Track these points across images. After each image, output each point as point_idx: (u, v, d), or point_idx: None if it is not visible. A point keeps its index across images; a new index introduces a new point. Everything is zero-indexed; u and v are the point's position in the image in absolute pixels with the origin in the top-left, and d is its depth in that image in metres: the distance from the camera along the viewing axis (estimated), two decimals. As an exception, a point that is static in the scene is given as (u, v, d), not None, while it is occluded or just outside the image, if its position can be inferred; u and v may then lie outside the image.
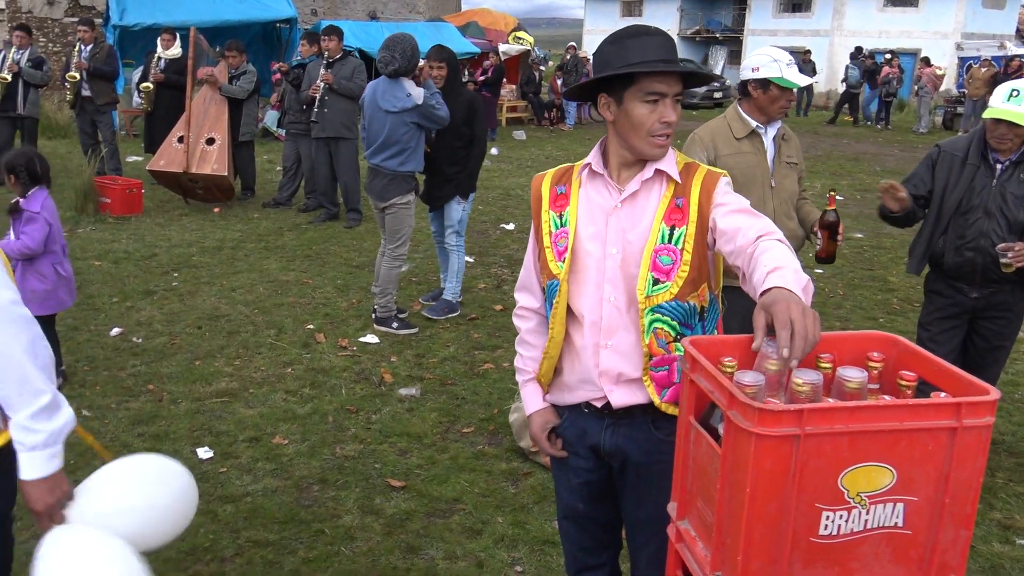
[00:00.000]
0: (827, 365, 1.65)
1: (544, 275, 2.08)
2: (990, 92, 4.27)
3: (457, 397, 4.70)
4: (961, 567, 1.53)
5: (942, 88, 22.41)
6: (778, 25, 32.97)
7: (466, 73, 15.02)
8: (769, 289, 1.54)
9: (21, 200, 4.25)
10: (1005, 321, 3.70)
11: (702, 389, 1.60)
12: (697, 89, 25.85)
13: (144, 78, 10.10)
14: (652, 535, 2.06)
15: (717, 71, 32.69)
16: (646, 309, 1.92)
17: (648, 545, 2.12)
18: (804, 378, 1.51)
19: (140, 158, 11.30)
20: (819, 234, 3.51)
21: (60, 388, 4.47)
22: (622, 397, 2.00)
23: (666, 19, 36.04)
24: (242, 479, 3.78)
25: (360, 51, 8.70)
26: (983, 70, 18.21)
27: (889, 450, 1.42)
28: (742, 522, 1.42)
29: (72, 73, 9.56)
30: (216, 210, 9.09)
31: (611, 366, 1.99)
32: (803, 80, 3.48)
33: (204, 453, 3.99)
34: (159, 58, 9.87)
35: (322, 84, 8.18)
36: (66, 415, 1.92)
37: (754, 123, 3.56)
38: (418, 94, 5.21)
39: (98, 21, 14.20)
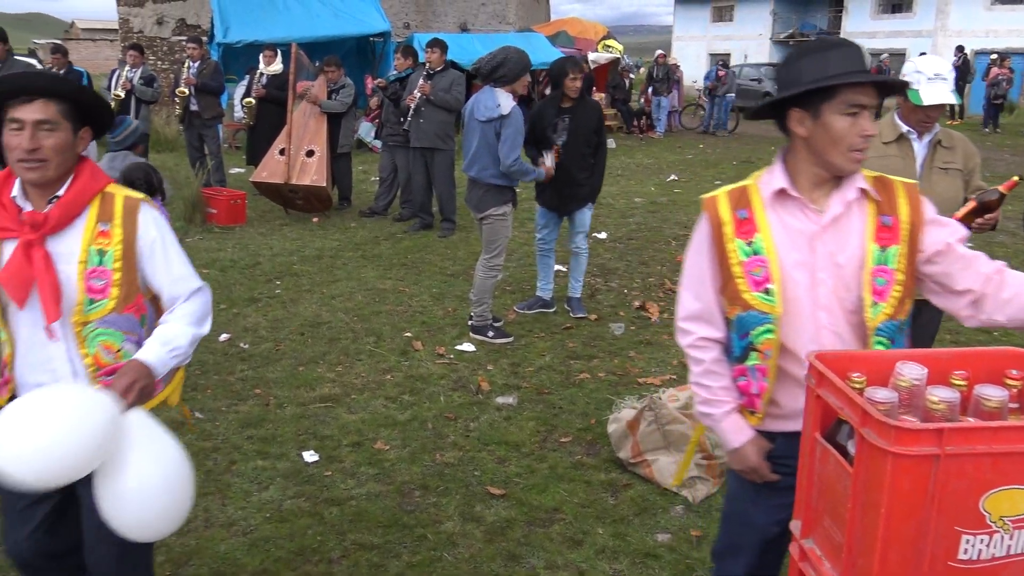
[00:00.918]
0: (961, 382, 1.59)
1: (735, 306, 2.03)
2: None
3: (554, 406, 4.70)
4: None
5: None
6: (877, 27, 31.91)
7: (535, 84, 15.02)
8: None
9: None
10: None
11: (829, 405, 1.56)
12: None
13: (247, 93, 10.50)
14: None
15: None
16: (872, 331, 1.90)
17: None
18: (940, 395, 1.46)
19: (243, 170, 11.74)
20: (968, 203, 3.33)
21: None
22: None
23: (758, 23, 35.35)
24: (346, 483, 3.87)
25: (452, 63, 8.80)
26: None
27: (1035, 473, 1.36)
28: (876, 543, 1.38)
29: (182, 89, 10.02)
30: (315, 220, 9.36)
31: None
32: (931, 98, 3.33)
33: (310, 457, 4.10)
34: (261, 74, 10.24)
35: (419, 95, 8.34)
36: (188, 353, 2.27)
37: (904, 128, 3.48)
38: (507, 105, 5.26)
39: (204, 39, 14.85)
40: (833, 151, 1.87)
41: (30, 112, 2.04)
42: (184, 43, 11.79)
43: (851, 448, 1.49)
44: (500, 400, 4.76)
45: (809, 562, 1.66)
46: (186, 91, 10.00)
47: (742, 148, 15.96)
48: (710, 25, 38.17)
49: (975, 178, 3.60)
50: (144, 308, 2.29)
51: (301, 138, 9.22)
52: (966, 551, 1.40)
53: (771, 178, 1.99)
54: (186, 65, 10.27)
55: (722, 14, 37.96)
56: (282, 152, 9.15)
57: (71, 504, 2.34)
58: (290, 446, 4.21)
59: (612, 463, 4.04)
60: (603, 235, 8.67)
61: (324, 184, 9.01)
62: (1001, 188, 3.27)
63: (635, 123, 18.66)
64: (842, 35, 31.98)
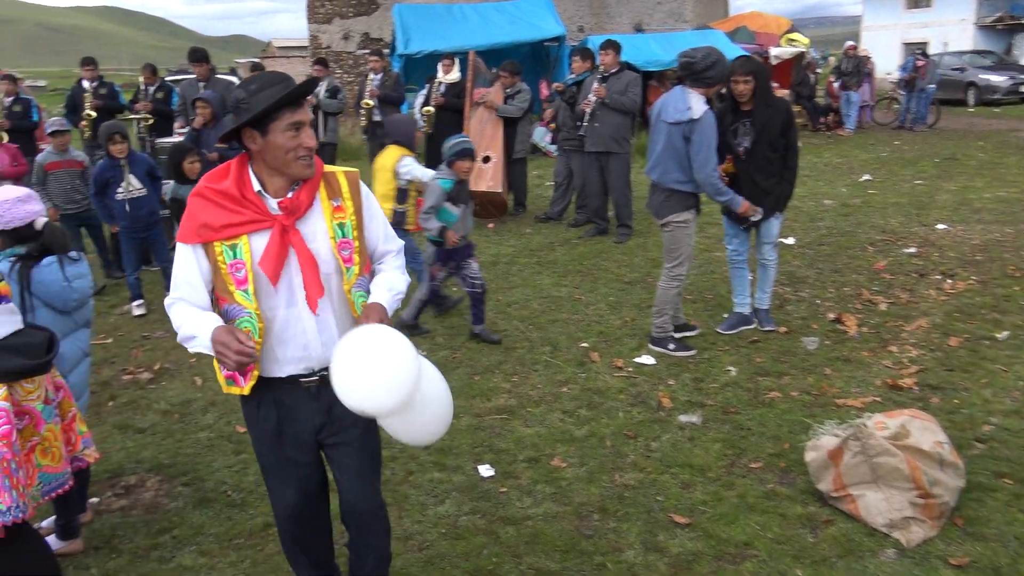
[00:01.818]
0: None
1: None
2: None
3: (742, 427, 4.37)
4: None
5: None
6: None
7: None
8: None
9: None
10: None
11: None
12: (1000, 83, 23.05)
13: (426, 102, 10.70)
14: None
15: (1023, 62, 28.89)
16: None
17: None
18: None
19: (421, 177, 12.01)
20: None
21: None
22: None
23: (960, 7, 32.54)
24: (522, 501, 3.74)
25: (627, 64, 8.55)
26: None
27: None
28: None
29: (367, 100, 10.35)
30: (490, 226, 9.39)
31: None
32: None
33: (485, 471, 4.01)
34: (440, 83, 10.42)
35: (594, 98, 8.17)
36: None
37: None
38: (698, 109, 4.94)
39: (385, 51, 15.39)
40: None
41: (302, 114, 2.31)
42: (367, 56, 12.23)
43: None
44: (683, 418, 4.48)
45: None
46: (371, 103, 10.32)
47: (944, 144, 14.61)
48: (904, 12, 35.52)
49: None
50: (369, 267, 2.59)
51: (477, 144, 9.22)
52: None
53: None
54: (369, 77, 10.61)
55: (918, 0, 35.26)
56: (459, 159, 9.23)
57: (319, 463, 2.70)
58: (466, 459, 4.14)
59: (810, 495, 3.67)
60: (791, 240, 8.13)
61: (500, 190, 9.02)
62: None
63: (822, 120, 17.59)
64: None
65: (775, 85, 15.63)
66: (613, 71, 8.24)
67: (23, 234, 3.23)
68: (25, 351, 2.61)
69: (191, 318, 2.37)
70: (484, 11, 15.23)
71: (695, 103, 4.96)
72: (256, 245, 2.35)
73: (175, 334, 2.41)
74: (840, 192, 10.64)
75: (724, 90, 5.28)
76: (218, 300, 2.44)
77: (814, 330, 5.70)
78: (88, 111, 10.24)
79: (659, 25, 19.52)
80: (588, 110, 8.26)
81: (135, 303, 6.67)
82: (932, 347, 5.29)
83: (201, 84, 9.24)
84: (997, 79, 23.29)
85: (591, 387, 4.94)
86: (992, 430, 4.17)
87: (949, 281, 6.62)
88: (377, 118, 10.43)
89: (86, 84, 10.44)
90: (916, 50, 19.67)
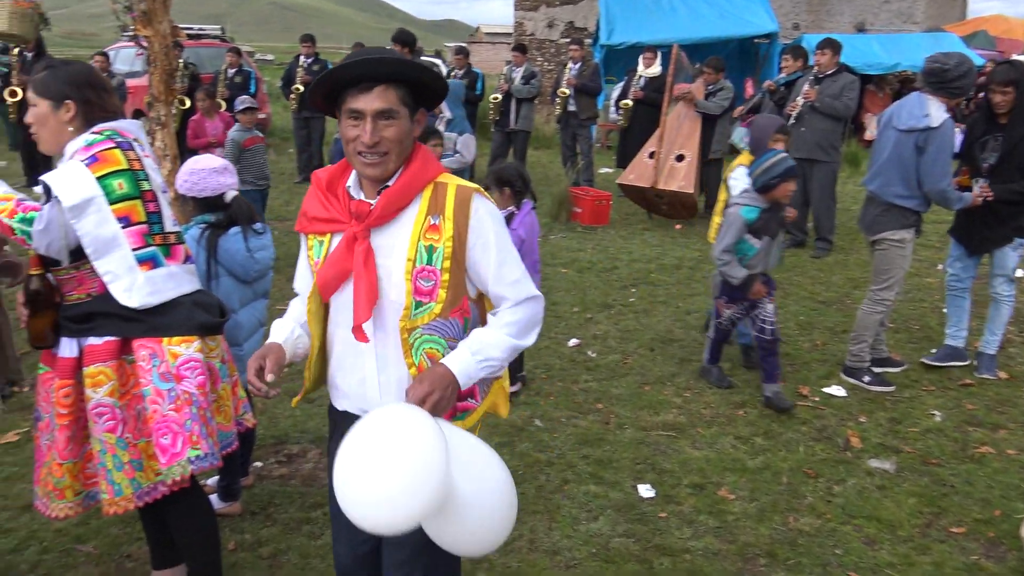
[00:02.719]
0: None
1: None
2: None
3: (943, 483, 3.84)
4: None
5: None
6: None
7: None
8: None
9: (504, 212, 4.41)
10: None
11: None
12: None
13: (624, 95, 10.43)
14: None
15: None
16: None
17: None
18: None
19: (611, 170, 11.77)
20: None
21: (517, 394, 4.59)
22: None
23: None
24: (682, 530, 3.45)
25: (845, 66, 7.87)
26: None
27: None
28: None
29: (563, 89, 10.21)
30: (677, 227, 9.02)
31: None
32: None
33: (646, 491, 3.74)
34: (640, 76, 10.12)
35: (802, 101, 7.60)
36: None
37: None
38: (938, 117, 4.38)
39: (587, 41, 15.22)
40: None
41: (369, 101, 1.87)
42: (567, 45, 12.12)
43: None
44: (873, 463, 4.00)
45: None
46: (567, 91, 10.18)
47: None
48: None
49: None
50: (468, 311, 2.08)
51: (672, 142, 8.91)
52: None
53: None
54: (567, 66, 10.47)
55: None
56: (652, 155, 8.92)
57: None
58: (625, 475, 3.89)
59: (1024, 577, 3.14)
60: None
61: (691, 191, 8.62)
62: None
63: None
64: None
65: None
66: (829, 72, 7.64)
67: (214, 203, 3.31)
68: (210, 309, 2.68)
69: (282, 318, 2.21)
70: (693, 4, 14.68)
71: (935, 111, 4.41)
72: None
73: None
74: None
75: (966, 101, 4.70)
76: None
77: (1041, 380, 4.97)
78: (297, 85, 10.79)
79: (884, 25, 18.10)
80: (794, 113, 7.70)
81: None
82: None
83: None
84: None
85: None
86: None
87: None
88: (571, 108, 10.28)
89: (302, 59, 11.01)
90: None
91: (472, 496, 1.81)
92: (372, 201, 1.97)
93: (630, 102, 10.09)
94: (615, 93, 11.26)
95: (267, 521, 3.48)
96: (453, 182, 2.00)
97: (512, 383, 3.91)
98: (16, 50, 10.09)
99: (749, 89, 13.33)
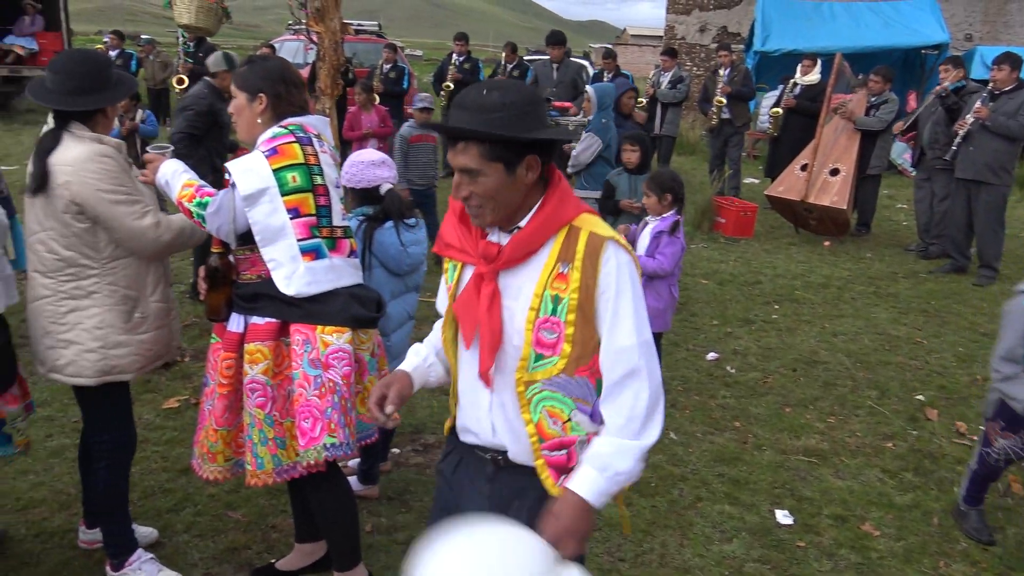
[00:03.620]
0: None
1: None
2: None
3: (1119, 543, 3.52)
4: None
5: None
6: None
7: None
8: None
9: (659, 218, 4.32)
10: None
11: None
12: None
13: (777, 103, 10.10)
14: None
15: None
16: None
17: None
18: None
19: (757, 181, 11.45)
20: None
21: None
22: None
23: None
24: (821, 563, 3.31)
25: (1024, 83, 7.32)
26: None
27: None
28: None
29: (719, 98, 9.94)
30: (826, 244, 8.65)
31: None
32: None
33: (784, 517, 3.61)
34: (795, 84, 9.77)
35: (971, 118, 7.14)
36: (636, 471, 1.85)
37: None
38: None
39: (738, 48, 14.81)
40: None
41: (454, 157, 1.77)
42: (716, 50, 11.85)
43: None
44: (1038, 514, 3.71)
45: None
46: (723, 100, 9.90)
47: None
48: None
49: None
50: (600, 373, 1.85)
51: (827, 155, 8.56)
52: None
53: None
54: (718, 72, 10.21)
55: None
56: (804, 168, 8.60)
57: None
58: (763, 498, 3.77)
59: None
60: None
61: (844, 207, 8.26)
62: None
63: None
64: None
65: None
66: (1006, 89, 7.12)
67: (370, 196, 3.42)
68: (367, 303, 2.75)
69: (422, 342, 2.16)
70: (856, 10, 14.05)
71: None
72: (465, 279, 1.92)
73: None
74: None
75: None
76: None
77: None
78: (448, 82, 11.03)
79: (1069, 39, 16.73)
80: (962, 131, 7.24)
81: None
82: None
83: (555, 66, 9.50)
84: None
85: (922, 449, 4.28)
86: None
87: None
88: (726, 115, 10.01)
89: (454, 58, 11.25)
90: None
91: None
92: (502, 242, 1.84)
93: (779, 110, 9.76)
94: (766, 101, 10.93)
95: (403, 507, 3.58)
96: (587, 227, 1.80)
97: None
98: (181, 40, 10.80)
99: (912, 103, 12.64)
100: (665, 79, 10.27)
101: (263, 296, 2.66)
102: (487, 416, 1.92)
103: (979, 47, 13.94)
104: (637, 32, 69.77)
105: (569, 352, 1.80)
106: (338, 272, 2.69)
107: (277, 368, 2.69)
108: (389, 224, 3.41)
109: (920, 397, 4.91)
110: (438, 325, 2.12)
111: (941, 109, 7.73)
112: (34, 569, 3.05)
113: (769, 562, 3.30)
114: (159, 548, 3.20)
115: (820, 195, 8.38)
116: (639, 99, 10.31)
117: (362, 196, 3.45)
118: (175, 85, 10.68)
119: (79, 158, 2.66)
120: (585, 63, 14.27)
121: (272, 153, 2.56)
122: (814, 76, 9.62)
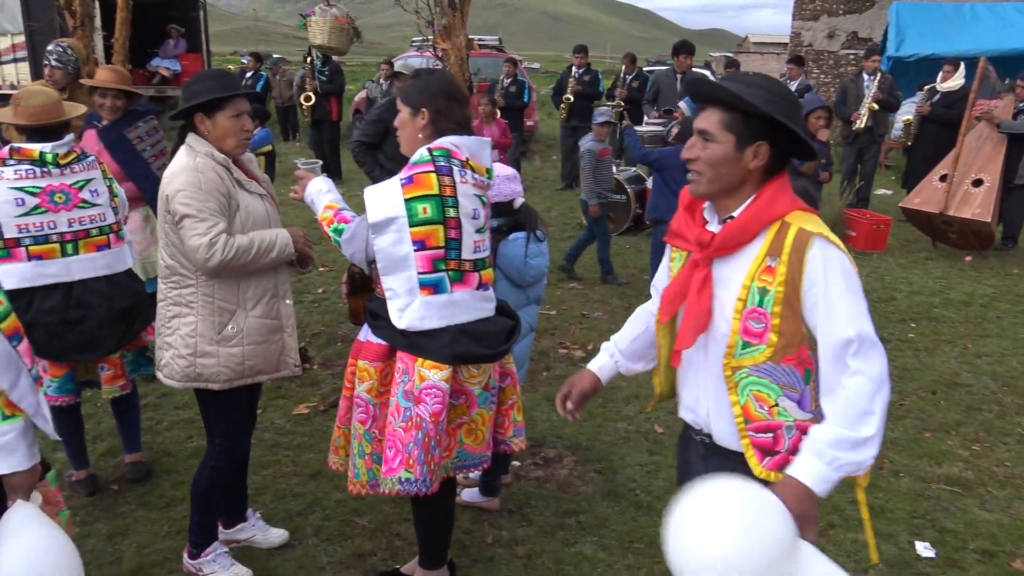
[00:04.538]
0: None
1: None
2: None
3: None
4: None
5: None
6: None
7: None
8: None
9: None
10: None
11: None
12: None
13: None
14: None
15: None
16: None
17: None
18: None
19: (890, 192, 10.92)
20: None
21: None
22: None
23: None
24: (967, 601, 3.10)
25: None
26: None
27: None
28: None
29: (871, 103, 9.41)
30: (967, 259, 8.15)
31: None
32: None
33: (924, 550, 3.40)
34: (934, 90, 9.27)
35: None
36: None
37: None
38: None
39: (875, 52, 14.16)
40: None
41: (700, 119, 1.94)
42: (850, 56, 11.36)
43: None
44: None
45: None
46: (875, 106, 9.42)
47: None
48: None
49: None
50: (810, 362, 1.90)
51: (970, 164, 8.07)
52: None
53: None
54: (859, 78, 9.75)
55: None
56: (943, 178, 8.14)
57: None
58: (901, 528, 3.56)
59: None
60: None
61: (988, 219, 7.77)
62: None
63: None
64: None
65: None
66: None
67: (501, 209, 3.44)
68: (483, 339, 2.69)
69: (617, 333, 2.33)
70: (1002, 11, 13.24)
71: None
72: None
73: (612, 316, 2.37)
74: None
75: None
76: None
77: None
78: (567, 95, 11.04)
79: None
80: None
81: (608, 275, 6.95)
82: None
83: (678, 76, 9.36)
84: None
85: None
86: None
87: None
88: (870, 123, 9.51)
89: (574, 70, 11.27)
90: None
91: None
92: (715, 230, 1.96)
93: (911, 118, 9.27)
94: (903, 108, 10.42)
95: (523, 521, 3.58)
96: (797, 223, 1.87)
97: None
98: (308, 59, 11.24)
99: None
100: (792, 88, 9.94)
101: (382, 317, 2.68)
102: (705, 396, 2.04)
103: None
104: (759, 39, 67.99)
105: (776, 341, 1.88)
106: (456, 308, 2.64)
107: (383, 387, 2.72)
108: (513, 236, 3.43)
109: (1076, 426, 4.54)
110: (644, 307, 2.31)
111: None
112: (176, 563, 3.21)
113: (909, 597, 3.11)
114: (290, 550, 3.31)
115: (961, 207, 7.92)
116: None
117: (493, 209, 3.48)
118: (303, 102, 11.16)
119: (177, 170, 2.78)
120: (706, 72, 14.02)
121: (408, 182, 2.55)
122: (955, 82, 9.10)
